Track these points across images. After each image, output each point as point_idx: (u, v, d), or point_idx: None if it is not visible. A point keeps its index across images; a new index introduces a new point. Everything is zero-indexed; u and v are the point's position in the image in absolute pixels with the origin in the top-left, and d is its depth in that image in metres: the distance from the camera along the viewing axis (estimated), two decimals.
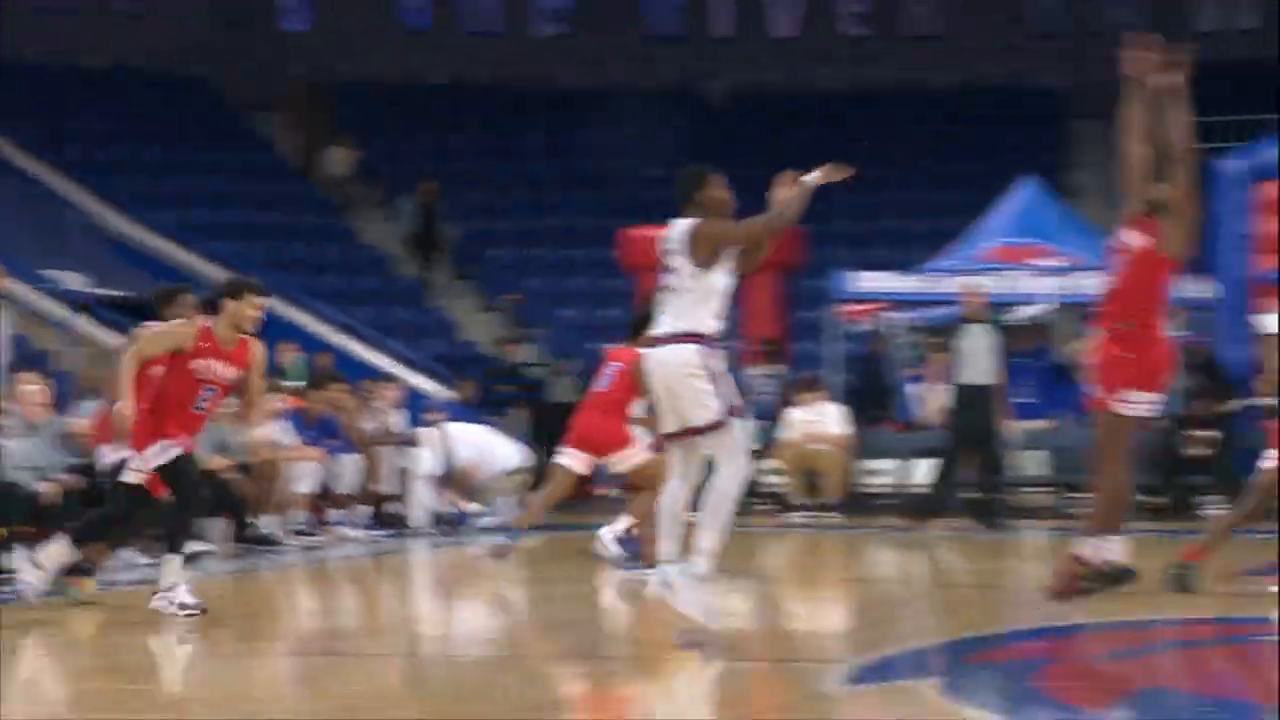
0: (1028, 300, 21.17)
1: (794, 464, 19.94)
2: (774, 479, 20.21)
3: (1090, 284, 19.89)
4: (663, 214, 9.98)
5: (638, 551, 13.24)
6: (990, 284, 19.33)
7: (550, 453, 14.81)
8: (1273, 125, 26.18)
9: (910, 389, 21.60)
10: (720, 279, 9.61)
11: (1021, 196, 22.12)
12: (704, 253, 9.53)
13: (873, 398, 21.55)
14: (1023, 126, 31.54)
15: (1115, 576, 10.64)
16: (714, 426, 9.49)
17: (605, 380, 13.71)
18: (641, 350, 10.56)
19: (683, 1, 34.43)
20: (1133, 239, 10.56)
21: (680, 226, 9.67)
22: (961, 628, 10.83)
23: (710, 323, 9.59)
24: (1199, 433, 19.92)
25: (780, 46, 33.58)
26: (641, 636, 10.68)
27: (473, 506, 18.49)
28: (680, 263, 9.62)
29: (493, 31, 33.50)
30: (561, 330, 27.47)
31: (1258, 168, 21.88)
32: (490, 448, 18.87)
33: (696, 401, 9.51)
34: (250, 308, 10.78)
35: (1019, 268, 20.83)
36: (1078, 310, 19.75)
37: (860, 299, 21.72)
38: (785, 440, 20.02)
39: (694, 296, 9.57)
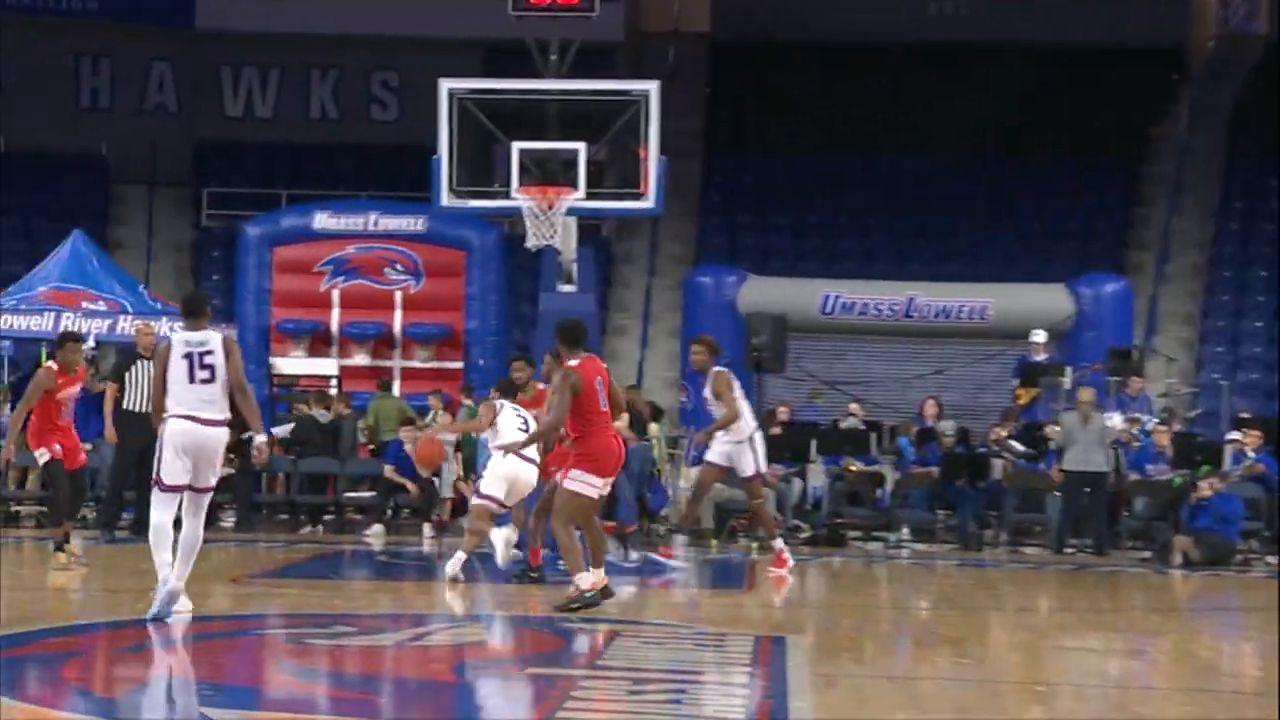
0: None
1: None
2: None
3: (126, 325, 22.60)
4: None
5: None
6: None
7: None
8: (285, 198, 29.77)
9: None
10: None
11: (70, 248, 24.12)
12: None
13: None
14: (69, 189, 32.32)
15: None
16: None
17: None
18: None
19: None
20: None
21: None
22: None
23: None
24: None
25: None
26: None
27: None
28: None
29: None
30: None
31: (273, 234, 24.65)
32: None
33: None
34: None
35: (69, 309, 23.00)
36: (115, 347, 21.68)
37: None
38: None
39: None
